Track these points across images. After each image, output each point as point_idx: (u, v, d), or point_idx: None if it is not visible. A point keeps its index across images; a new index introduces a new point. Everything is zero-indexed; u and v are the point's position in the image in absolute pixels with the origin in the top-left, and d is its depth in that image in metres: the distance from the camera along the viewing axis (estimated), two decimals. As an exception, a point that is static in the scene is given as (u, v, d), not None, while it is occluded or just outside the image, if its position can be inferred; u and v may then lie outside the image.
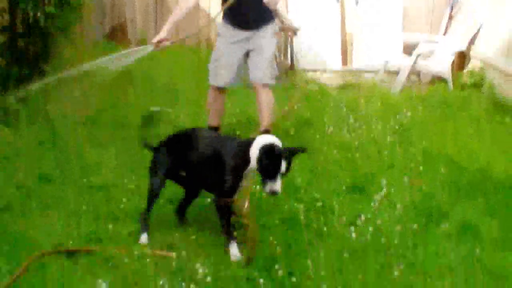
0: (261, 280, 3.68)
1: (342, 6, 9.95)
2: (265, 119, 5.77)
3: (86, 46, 8.57)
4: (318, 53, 9.68)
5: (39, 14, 6.93)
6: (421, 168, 5.43)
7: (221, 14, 5.82)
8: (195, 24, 9.28)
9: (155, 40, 5.52)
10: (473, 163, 5.49)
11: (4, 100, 6.36)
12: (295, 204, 4.70)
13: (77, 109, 6.51)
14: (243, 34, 5.73)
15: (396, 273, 3.77)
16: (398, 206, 4.69)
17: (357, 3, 9.90)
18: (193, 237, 4.20)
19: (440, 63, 8.63)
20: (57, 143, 5.82)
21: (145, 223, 4.24)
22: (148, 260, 3.89)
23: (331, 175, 5.30)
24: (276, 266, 3.82)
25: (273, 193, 3.82)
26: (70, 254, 3.96)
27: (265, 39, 5.74)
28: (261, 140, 3.90)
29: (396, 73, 8.89)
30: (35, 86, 6.25)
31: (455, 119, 6.82)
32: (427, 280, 3.73)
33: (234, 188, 4.03)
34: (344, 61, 10.00)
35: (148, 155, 4.40)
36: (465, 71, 8.64)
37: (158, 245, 4.10)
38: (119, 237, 4.21)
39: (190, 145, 4.22)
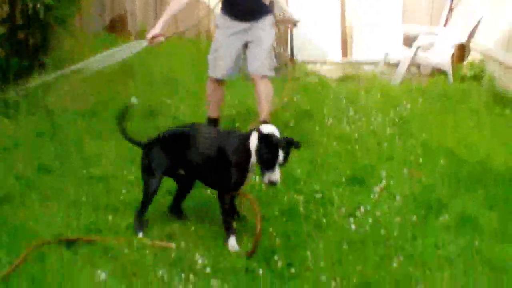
0: (261, 271, 3.70)
1: (342, -3, 9.94)
2: (264, 110, 5.77)
3: (86, 38, 8.55)
4: (318, 45, 9.67)
5: (38, 5, 6.90)
6: (420, 160, 5.44)
7: (220, 5, 5.82)
8: (195, 16, 9.25)
9: (149, 35, 5.52)
10: (472, 155, 5.49)
11: (4, 94, 6.36)
12: (295, 195, 4.71)
13: (74, 102, 6.50)
14: (241, 25, 5.72)
15: (395, 264, 3.79)
16: (398, 198, 4.70)
17: (357, -6, 9.88)
18: (193, 228, 4.21)
19: (440, 55, 8.61)
20: (56, 134, 5.82)
21: (140, 223, 4.19)
22: (147, 250, 3.90)
23: (331, 166, 5.31)
24: (276, 257, 3.83)
25: (272, 183, 3.82)
26: (70, 244, 3.97)
27: (264, 30, 5.73)
28: (259, 131, 3.90)
29: (396, 65, 8.88)
30: (36, 82, 6.26)
31: (455, 111, 6.82)
32: (426, 272, 3.74)
33: (239, 183, 4.04)
34: (344, 53, 9.99)
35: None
36: (465, 63, 8.63)
37: (157, 236, 4.11)
38: (118, 228, 4.21)
39: (189, 142, 4.14)
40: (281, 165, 3.82)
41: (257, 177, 4.81)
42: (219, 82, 5.93)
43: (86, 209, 4.45)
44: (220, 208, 4.07)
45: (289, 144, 3.88)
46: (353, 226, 4.25)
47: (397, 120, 6.57)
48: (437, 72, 8.79)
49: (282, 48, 9.12)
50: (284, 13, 8.73)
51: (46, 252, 3.83)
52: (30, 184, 4.85)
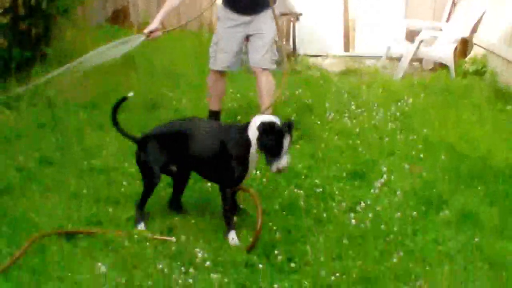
0: (261, 265, 3.70)
1: (345, -9, 9.92)
2: (265, 103, 5.76)
3: (88, 29, 8.53)
4: (321, 39, 9.65)
5: (40, -4, 6.91)
6: (421, 155, 5.44)
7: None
8: (198, 8, 9.23)
9: (146, 30, 5.51)
10: (474, 151, 5.48)
11: (7, 91, 6.35)
12: (295, 190, 4.71)
13: (76, 94, 6.49)
14: (243, 18, 5.70)
15: (395, 260, 3.79)
16: (398, 193, 4.70)
17: (360, -12, 9.87)
18: (193, 221, 4.21)
19: (442, 50, 8.60)
20: (58, 126, 5.82)
21: (140, 215, 4.19)
22: (147, 243, 3.90)
23: (332, 161, 5.31)
24: (276, 252, 3.84)
25: (281, 170, 3.82)
26: (70, 236, 3.97)
27: (265, 24, 5.71)
28: (257, 120, 3.89)
29: (398, 59, 8.87)
30: (38, 80, 6.25)
31: (456, 106, 6.80)
32: (426, 268, 3.74)
33: (241, 176, 4.04)
34: (347, 47, 9.99)
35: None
36: (467, 58, 8.61)
37: (157, 229, 4.11)
38: (119, 220, 4.22)
39: (187, 137, 4.11)
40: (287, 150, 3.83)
41: (258, 172, 4.82)
42: (221, 74, 5.92)
43: (87, 201, 4.45)
44: (222, 202, 4.08)
45: (290, 128, 3.89)
46: (353, 221, 4.25)
47: (398, 115, 6.56)
48: (439, 67, 8.78)
49: (284, 42, 9.11)
50: (286, 6, 8.72)
51: (46, 244, 3.84)
52: (31, 175, 4.85)
